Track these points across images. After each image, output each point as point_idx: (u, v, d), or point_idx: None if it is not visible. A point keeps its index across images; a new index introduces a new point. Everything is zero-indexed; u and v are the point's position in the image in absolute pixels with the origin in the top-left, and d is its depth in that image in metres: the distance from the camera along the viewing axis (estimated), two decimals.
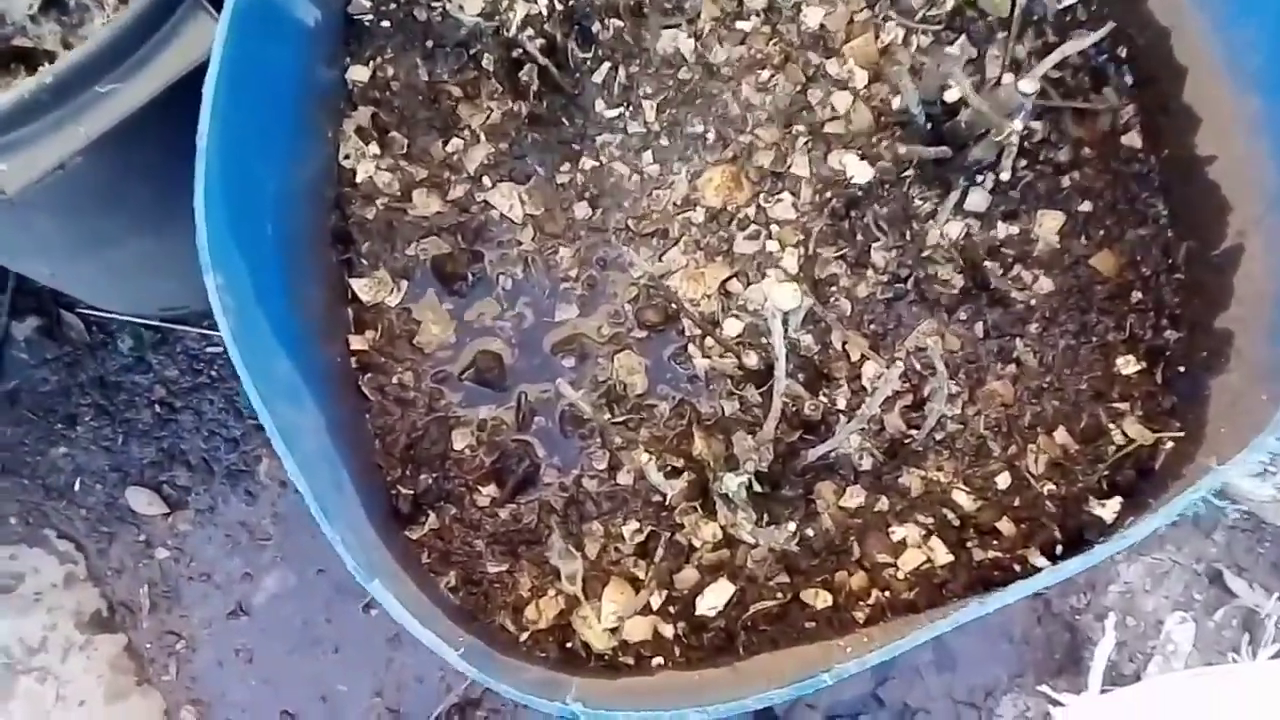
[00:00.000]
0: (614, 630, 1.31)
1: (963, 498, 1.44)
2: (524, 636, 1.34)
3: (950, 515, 1.41)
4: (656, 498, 1.40)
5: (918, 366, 1.41)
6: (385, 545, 1.26)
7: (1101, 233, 1.53)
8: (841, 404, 1.47)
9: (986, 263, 1.49)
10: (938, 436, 1.45)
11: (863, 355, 1.49)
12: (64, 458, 1.84)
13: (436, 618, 1.19)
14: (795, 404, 1.40)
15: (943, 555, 1.38)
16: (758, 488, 1.32)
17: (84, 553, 1.76)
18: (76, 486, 1.81)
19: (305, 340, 1.31)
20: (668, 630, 1.34)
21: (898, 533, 1.41)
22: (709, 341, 1.48)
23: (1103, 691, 1.64)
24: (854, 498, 1.43)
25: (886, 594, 1.35)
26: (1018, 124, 1.31)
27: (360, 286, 1.49)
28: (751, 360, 1.43)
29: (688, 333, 1.49)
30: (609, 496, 1.44)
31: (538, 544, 1.41)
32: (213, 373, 1.91)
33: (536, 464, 1.46)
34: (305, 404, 1.24)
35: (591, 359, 1.50)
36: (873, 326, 1.50)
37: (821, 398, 1.45)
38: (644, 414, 1.47)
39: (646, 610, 1.32)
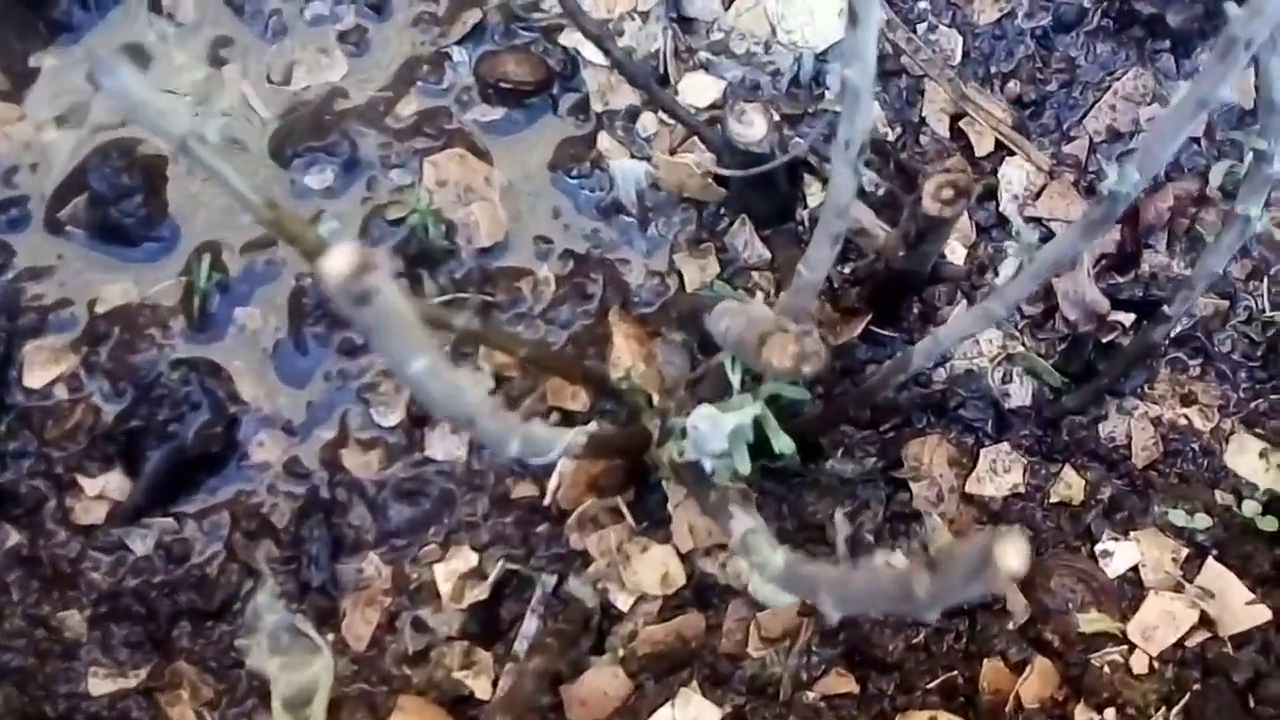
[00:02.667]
0: None
1: (1253, 464, 0.98)
2: None
3: (1235, 505, 0.98)
4: (523, 489, 0.98)
5: (1112, 175, 0.79)
6: None
7: None
8: (955, 253, 1.04)
9: None
10: (1174, 330, 1.03)
11: (998, 143, 1.07)
12: None
13: None
14: (852, 251, 0.98)
15: (1239, 607, 0.91)
16: (780, 449, 0.74)
17: None
18: None
19: None
20: None
21: (1117, 554, 0.95)
22: (646, 121, 1.07)
23: None
24: (1000, 472, 0.99)
25: (1112, 714, 0.91)
26: None
27: None
28: (753, 131, 0.89)
29: (595, 107, 1.09)
30: (405, 491, 1.00)
31: (221, 618, 0.99)
32: None
33: (228, 416, 1.01)
34: None
35: (372, 166, 1.07)
36: (1014, 85, 1.12)
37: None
38: (497, 291, 1.06)
39: None
